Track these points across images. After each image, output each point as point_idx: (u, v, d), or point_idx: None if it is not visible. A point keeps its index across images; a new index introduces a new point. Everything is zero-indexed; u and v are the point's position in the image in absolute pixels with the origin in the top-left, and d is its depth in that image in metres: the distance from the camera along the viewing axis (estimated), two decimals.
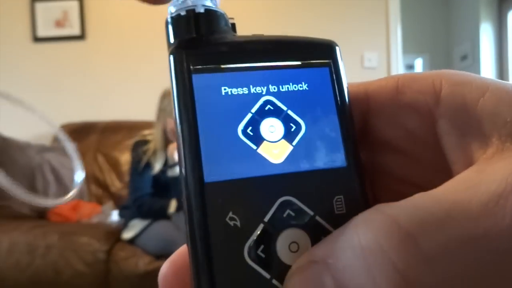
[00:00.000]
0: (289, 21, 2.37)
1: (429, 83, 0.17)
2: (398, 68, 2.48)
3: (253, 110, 0.17)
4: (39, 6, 2.43)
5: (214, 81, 0.17)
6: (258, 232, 0.15)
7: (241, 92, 0.17)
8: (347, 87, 0.18)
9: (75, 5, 2.43)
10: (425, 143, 0.17)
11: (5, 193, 1.90)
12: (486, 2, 3.14)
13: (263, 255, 0.15)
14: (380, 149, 0.19)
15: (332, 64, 0.18)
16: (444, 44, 3.68)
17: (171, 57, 0.17)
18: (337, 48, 0.19)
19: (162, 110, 1.58)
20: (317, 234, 0.16)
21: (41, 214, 1.89)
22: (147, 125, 1.73)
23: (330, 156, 0.17)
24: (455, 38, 3.57)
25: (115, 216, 1.85)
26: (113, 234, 1.62)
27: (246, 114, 0.17)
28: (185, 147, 0.16)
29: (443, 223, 0.12)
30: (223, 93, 0.17)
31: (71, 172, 2.18)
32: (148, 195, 1.57)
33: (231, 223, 0.15)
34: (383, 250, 0.12)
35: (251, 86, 0.17)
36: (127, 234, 1.56)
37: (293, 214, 0.16)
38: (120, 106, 2.34)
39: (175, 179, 1.52)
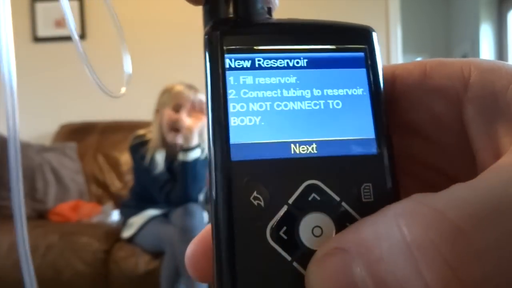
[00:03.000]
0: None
1: (458, 69, 0.16)
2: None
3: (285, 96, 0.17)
4: (39, 6, 2.43)
5: (247, 62, 0.17)
6: (282, 214, 0.15)
7: (273, 74, 0.17)
8: (382, 74, 0.18)
9: (75, 5, 2.43)
10: (450, 129, 0.17)
11: (4, 193, 1.89)
12: (486, 2, 3.14)
13: (285, 237, 0.15)
14: (404, 132, 0.19)
15: (368, 50, 0.18)
16: (444, 44, 3.68)
17: (206, 37, 0.17)
18: (374, 33, 0.18)
19: (161, 104, 1.57)
20: (342, 221, 0.15)
21: (41, 214, 1.89)
22: (147, 125, 1.73)
23: (360, 143, 0.17)
24: (455, 38, 3.57)
25: (115, 216, 1.85)
26: (113, 234, 1.62)
27: (280, 100, 0.16)
28: (214, 126, 0.16)
29: (494, 217, 0.12)
30: (256, 75, 0.17)
31: (71, 172, 2.19)
32: (169, 181, 1.55)
33: (255, 202, 0.15)
34: (434, 244, 0.12)
35: (284, 66, 0.17)
36: (126, 233, 1.56)
37: (318, 198, 0.16)
38: (120, 106, 2.33)
39: (191, 163, 1.50)
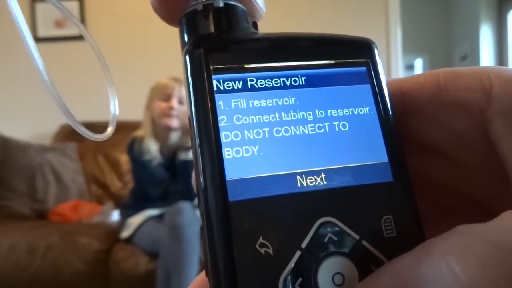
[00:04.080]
0: (288, 21, 2.37)
1: (476, 79, 0.15)
2: (398, 68, 2.48)
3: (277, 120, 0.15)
4: (39, 6, 2.43)
5: (238, 82, 0.15)
6: (295, 262, 0.13)
7: (269, 96, 0.15)
8: (388, 89, 0.16)
9: (75, 5, 2.43)
10: (473, 145, 0.15)
11: (5, 193, 1.89)
12: (486, 2, 3.14)
13: None
14: (418, 152, 0.17)
15: (370, 63, 0.16)
16: (444, 44, 3.68)
17: (187, 56, 0.15)
18: (374, 46, 0.16)
19: (150, 99, 1.59)
20: (365, 263, 0.13)
21: (41, 214, 1.89)
22: None
23: (373, 169, 0.15)
24: (455, 38, 3.57)
25: (115, 216, 1.85)
26: (113, 234, 1.62)
27: (276, 125, 0.14)
28: (204, 160, 0.13)
29: None
30: (249, 97, 0.15)
31: (71, 172, 2.18)
32: (168, 179, 1.56)
33: (262, 250, 0.13)
34: (495, 284, 0.10)
35: (281, 85, 0.15)
36: (124, 233, 1.56)
37: (335, 238, 0.13)
38: (120, 106, 2.33)
39: (185, 163, 1.51)
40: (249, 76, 0.15)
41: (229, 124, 0.14)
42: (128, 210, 1.61)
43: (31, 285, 1.56)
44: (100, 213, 1.90)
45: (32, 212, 1.89)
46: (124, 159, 2.11)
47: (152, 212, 1.55)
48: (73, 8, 2.43)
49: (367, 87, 0.16)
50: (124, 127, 2.21)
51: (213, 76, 0.14)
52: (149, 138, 1.57)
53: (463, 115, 0.15)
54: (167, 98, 1.54)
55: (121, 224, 1.61)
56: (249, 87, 0.15)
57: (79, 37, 2.45)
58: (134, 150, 1.58)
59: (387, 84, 0.16)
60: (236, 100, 0.14)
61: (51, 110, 2.54)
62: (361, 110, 0.15)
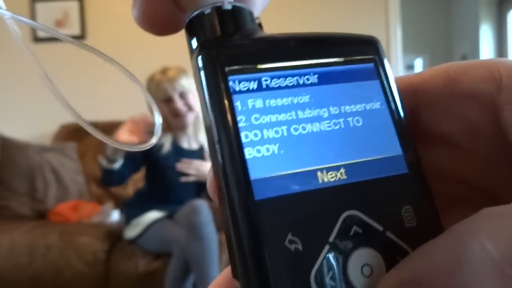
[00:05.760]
0: (287, 21, 2.37)
1: (486, 70, 0.15)
2: (398, 68, 2.48)
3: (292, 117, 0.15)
4: (39, 6, 2.43)
5: (254, 82, 0.15)
6: (324, 256, 0.13)
7: (284, 94, 0.15)
8: (396, 84, 0.16)
9: (75, 5, 2.43)
10: (485, 135, 0.16)
11: (5, 193, 1.89)
12: (486, 2, 3.14)
13: (333, 283, 0.13)
14: (430, 145, 0.17)
15: (377, 60, 0.16)
16: (444, 44, 3.68)
17: (199, 58, 0.15)
18: (379, 43, 0.17)
19: (153, 95, 1.59)
20: (390, 253, 0.13)
21: (41, 214, 1.89)
22: None
23: (389, 161, 0.15)
24: (455, 38, 3.57)
25: (115, 216, 1.85)
26: (113, 234, 1.62)
27: (292, 124, 0.15)
28: (225, 161, 0.14)
29: None
30: (265, 97, 0.15)
31: (71, 172, 2.18)
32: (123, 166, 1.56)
33: (292, 247, 0.13)
34: None
35: (294, 84, 0.15)
36: (130, 233, 1.56)
37: (360, 231, 0.14)
38: (120, 106, 2.33)
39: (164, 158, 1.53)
40: (264, 76, 0.15)
41: (248, 124, 0.14)
42: (131, 209, 1.60)
43: (31, 285, 1.56)
44: (100, 213, 1.90)
45: (32, 212, 1.89)
46: None
47: (158, 214, 1.55)
48: (73, 8, 2.43)
49: (376, 82, 0.16)
50: None
51: (229, 77, 0.14)
52: (164, 133, 1.56)
53: (475, 105, 0.16)
54: (168, 99, 1.54)
55: (124, 223, 1.61)
56: (264, 87, 0.15)
57: (79, 37, 2.45)
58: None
59: (395, 79, 0.17)
60: (252, 100, 0.14)
61: (51, 110, 2.54)
62: (372, 105, 0.16)
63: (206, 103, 0.14)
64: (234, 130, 0.14)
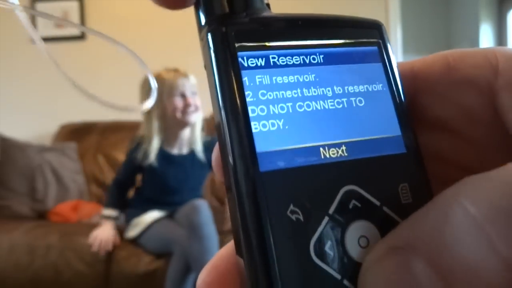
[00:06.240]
0: None
1: (483, 57, 0.16)
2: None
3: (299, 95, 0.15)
4: (39, 6, 2.43)
5: (262, 59, 0.15)
6: (324, 226, 0.14)
7: (290, 72, 0.15)
8: (398, 68, 0.17)
9: (75, 5, 2.43)
10: (482, 121, 0.16)
11: (5, 193, 1.89)
12: (486, 2, 3.14)
13: (331, 253, 0.14)
14: (427, 129, 0.18)
15: (381, 44, 0.17)
16: (444, 44, 3.68)
17: (210, 35, 0.15)
18: (383, 27, 0.17)
19: (160, 94, 1.55)
20: (386, 227, 0.14)
21: (41, 214, 1.89)
22: None
23: (388, 141, 0.16)
24: (455, 38, 3.57)
25: None
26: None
27: (298, 100, 0.15)
28: (232, 134, 0.14)
29: None
30: (272, 74, 0.15)
31: (71, 172, 2.18)
32: (122, 181, 1.61)
33: (293, 217, 0.13)
34: (504, 213, 0.11)
35: (301, 63, 0.16)
36: (131, 233, 1.56)
37: (358, 205, 0.14)
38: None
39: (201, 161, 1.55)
40: (271, 53, 0.15)
41: (254, 99, 0.15)
42: (132, 209, 1.60)
43: (31, 285, 1.56)
44: (100, 213, 1.90)
45: (32, 212, 1.89)
46: (124, 159, 2.11)
47: (158, 213, 1.55)
48: (73, 8, 2.43)
49: (379, 65, 0.17)
50: (124, 127, 2.21)
51: (239, 53, 0.15)
52: (154, 136, 1.55)
53: (472, 91, 0.16)
54: (181, 94, 1.53)
55: (125, 223, 1.61)
56: (272, 64, 0.15)
57: (79, 37, 2.45)
58: (137, 156, 1.57)
59: (397, 64, 0.17)
60: (260, 76, 0.15)
61: (51, 110, 2.54)
62: (374, 87, 0.16)
63: (215, 78, 0.15)
64: (242, 105, 0.14)
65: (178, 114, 1.53)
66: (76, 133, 2.24)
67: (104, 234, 1.54)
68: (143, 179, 1.64)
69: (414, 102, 0.17)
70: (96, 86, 2.43)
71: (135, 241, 1.55)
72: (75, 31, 2.44)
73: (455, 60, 0.16)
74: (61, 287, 1.55)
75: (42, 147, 2.09)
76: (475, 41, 3.21)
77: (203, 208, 1.43)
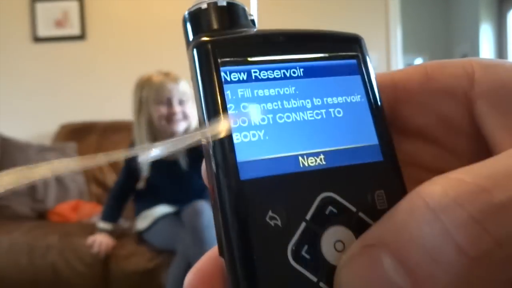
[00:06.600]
0: (287, 21, 2.37)
1: (461, 67, 0.16)
2: (398, 68, 2.48)
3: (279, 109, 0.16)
4: (39, 6, 2.43)
5: (244, 74, 0.16)
6: (301, 231, 0.14)
7: (271, 86, 0.16)
8: (376, 80, 0.18)
9: (75, 5, 2.43)
10: (460, 129, 0.17)
11: (5, 193, 1.89)
12: (486, 2, 3.14)
13: (308, 256, 0.14)
14: (408, 138, 0.18)
15: (360, 57, 0.18)
16: (444, 44, 3.68)
17: (195, 50, 0.16)
18: (363, 41, 0.18)
19: (144, 102, 1.51)
20: (361, 231, 0.14)
21: (41, 214, 1.89)
22: None
23: (365, 150, 0.16)
24: (455, 38, 3.58)
25: None
26: (113, 234, 1.61)
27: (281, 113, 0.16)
28: (215, 144, 0.15)
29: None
30: (254, 87, 0.16)
31: (71, 172, 2.18)
32: (120, 188, 1.59)
33: (272, 222, 0.14)
34: (457, 203, 0.11)
35: (281, 76, 0.16)
36: (140, 225, 1.55)
37: (335, 211, 0.15)
38: (120, 106, 2.33)
39: (189, 171, 1.51)
40: (253, 68, 0.16)
41: (236, 112, 0.15)
42: (141, 203, 1.59)
43: (30, 285, 1.56)
44: (100, 213, 1.90)
45: (32, 212, 1.89)
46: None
47: (166, 209, 1.54)
48: (73, 8, 2.43)
49: (358, 77, 0.17)
50: (124, 127, 2.21)
51: (221, 68, 0.16)
52: (144, 141, 1.50)
53: (449, 100, 0.17)
54: (167, 101, 1.48)
55: (135, 214, 1.60)
56: (253, 78, 0.16)
57: (79, 37, 2.45)
58: (131, 168, 1.55)
59: (375, 75, 0.18)
60: (242, 90, 0.16)
61: (51, 110, 2.54)
62: (353, 98, 0.17)
63: (199, 91, 0.16)
64: (224, 117, 0.15)
65: (163, 122, 1.49)
66: (76, 133, 2.24)
67: (101, 237, 1.54)
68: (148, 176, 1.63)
69: (395, 112, 0.18)
70: (96, 86, 2.43)
71: (141, 234, 1.54)
72: (75, 31, 2.44)
73: (434, 70, 0.17)
74: (61, 287, 1.55)
75: (42, 147, 2.09)
76: (475, 41, 3.21)
77: (205, 210, 1.41)
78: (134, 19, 2.43)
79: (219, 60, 0.16)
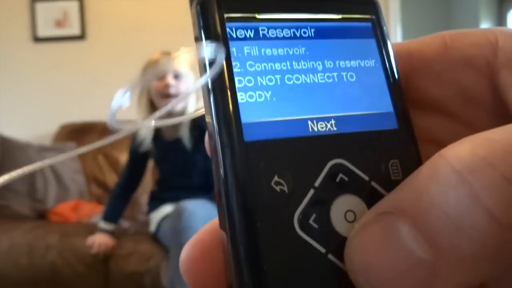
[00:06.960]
0: None
1: (482, 36, 0.15)
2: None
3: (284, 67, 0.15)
4: (39, 6, 2.42)
5: (251, 31, 0.15)
6: (309, 199, 0.13)
7: (280, 45, 0.15)
8: (392, 45, 0.17)
9: (75, 5, 2.42)
10: (480, 102, 0.16)
11: (5, 193, 1.89)
12: (486, 2, 3.14)
13: (316, 226, 0.13)
14: (422, 112, 0.17)
15: (375, 20, 0.17)
16: None
17: (199, 6, 0.15)
18: (379, 5, 0.17)
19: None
20: (374, 202, 0.13)
21: (41, 214, 1.89)
22: None
23: (379, 117, 0.15)
24: None
25: None
26: (113, 234, 1.61)
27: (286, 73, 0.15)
28: (218, 103, 0.14)
29: None
30: (261, 46, 0.15)
31: (71, 172, 2.18)
32: (123, 185, 1.60)
33: (278, 188, 0.13)
34: (487, 163, 0.10)
35: (291, 36, 0.15)
36: (152, 227, 1.55)
37: (346, 179, 0.14)
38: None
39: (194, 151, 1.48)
40: (261, 25, 0.15)
41: (242, 70, 0.14)
42: (151, 203, 1.60)
43: (30, 285, 1.56)
44: (100, 213, 1.90)
45: (32, 212, 1.89)
46: (124, 159, 2.11)
47: (169, 208, 1.54)
48: (73, 8, 2.43)
49: (373, 41, 0.16)
50: None
51: (227, 24, 0.15)
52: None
53: (470, 71, 0.15)
54: (162, 77, 1.46)
55: (147, 215, 1.61)
56: (261, 36, 0.15)
57: (79, 37, 2.45)
58: (136, 145, 1.55)
59: (393, 44, 0.17)
60: (248, 47, 0.15)
61: (51, 110, 2.54)
62: (367, 63, 0.16)
63: (202, 48, 0.14)
64: (229, 75, 0.14)
65: (159, 99, 1.46)
66: (76, 133, 2.24)
67: (101, 238, 1.53)
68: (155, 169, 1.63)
69: (409, 82, 0.17)
70: (96, 86, 2.43)
71: (155, 236, 1.54)
72: (75, 31, 2.44)
73: (453, 39, 0.16)
74: (61, 287, 1.55)
75: (42, 147, 2.09)
76: None
77: (187, 211, 1.37)
78: (134, 19, 2.42)
79: (225, 16, 0.15)
